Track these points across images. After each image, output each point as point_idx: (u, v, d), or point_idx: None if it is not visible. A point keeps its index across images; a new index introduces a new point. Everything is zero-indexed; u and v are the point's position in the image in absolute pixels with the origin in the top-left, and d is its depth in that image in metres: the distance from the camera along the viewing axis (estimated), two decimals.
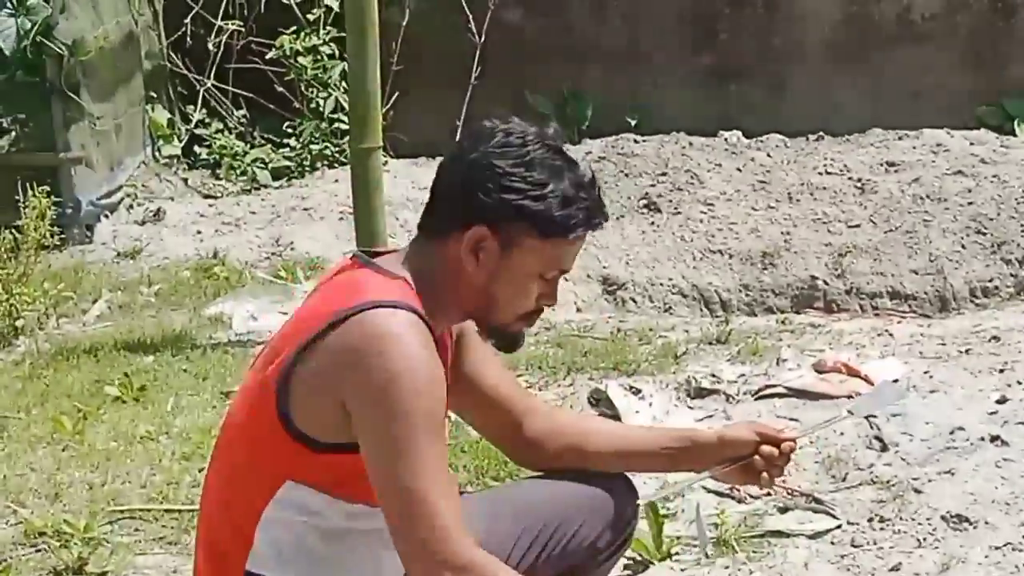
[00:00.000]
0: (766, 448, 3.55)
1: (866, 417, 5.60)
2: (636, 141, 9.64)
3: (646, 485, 4.27)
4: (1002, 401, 5.67)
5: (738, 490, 5.13)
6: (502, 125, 3.29)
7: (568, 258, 3.33)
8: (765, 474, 3.57)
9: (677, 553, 4.74)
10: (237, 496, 3.32)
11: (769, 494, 3.75)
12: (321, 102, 9.88)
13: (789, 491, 5.09)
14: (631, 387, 5.98)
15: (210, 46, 9.79)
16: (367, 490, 3.23)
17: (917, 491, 5.01)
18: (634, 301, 8.22)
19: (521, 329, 3.41)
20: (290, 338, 3.23)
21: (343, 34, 7.42)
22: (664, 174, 9.12)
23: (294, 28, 9.82)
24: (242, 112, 10.23)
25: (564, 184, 3.25)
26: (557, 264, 3.30)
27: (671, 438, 3.72)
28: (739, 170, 9.18)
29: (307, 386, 3.17)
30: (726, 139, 9.70)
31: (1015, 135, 9.95)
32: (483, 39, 10.11)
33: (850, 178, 8.99)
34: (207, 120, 10.28)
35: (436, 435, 3.19)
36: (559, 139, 3.33)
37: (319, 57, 9.81)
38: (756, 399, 5.91)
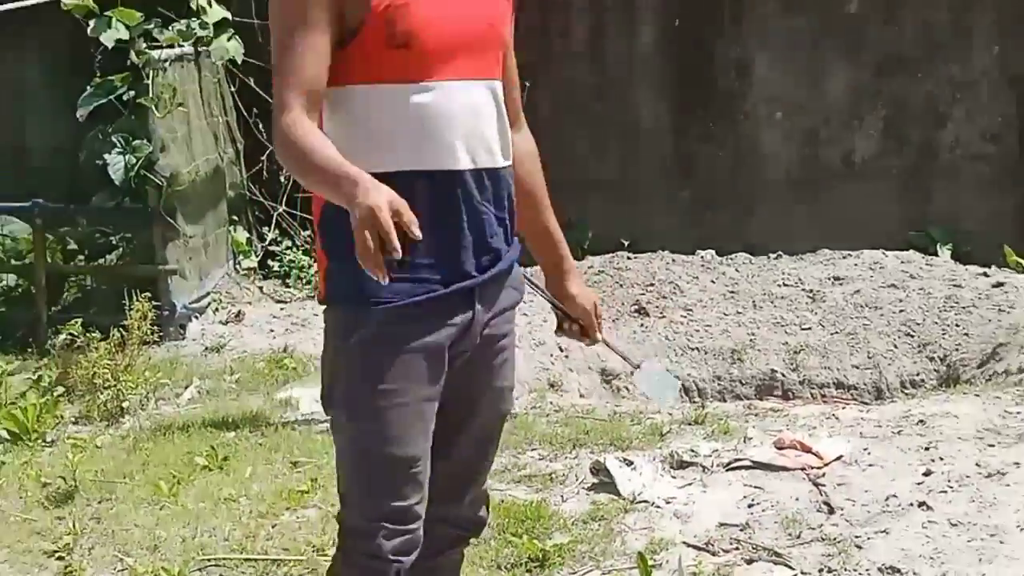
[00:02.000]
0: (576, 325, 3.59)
1: (815, 483, 5.64)
2: (628, 258, 9.70)
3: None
4: (927, 474, 5.65)
5: (712, 543, 5.16)
6: None
7: None
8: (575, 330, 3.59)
9: None
10: None
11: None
12: None
13: (754, 547, 5.11)
14: (625, 459, 5.94)
15: (282, 178, 9.83)
16: (379, 65, 3.10)
17: (858, 547, 5.00)
18: (627, 389, 8.24)
19: None
20: None
21: None
22: (651, 285, 9.17)
23: None
24: (308, 232, 10.28)
25: None
26: None
27: (550, 253, 3.57)
28: (713, 282, 9.25)
29: None
30: (702, 257, 9.75)
31: (937, 255, 9.96)
32: None
33: (803, 289, 9.04)
34: (279, 239, 10.33)
35: (304, 11, 3.03)
36: None
37: None
38: (727, 470, 5.87)
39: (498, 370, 3.40)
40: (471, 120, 3.18)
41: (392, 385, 3.15)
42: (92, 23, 8.55)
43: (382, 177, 2.89)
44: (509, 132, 3.32)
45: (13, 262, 9.41)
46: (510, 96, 3.40)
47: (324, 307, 3.26)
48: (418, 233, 2.74)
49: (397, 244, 2.68)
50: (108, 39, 8.56)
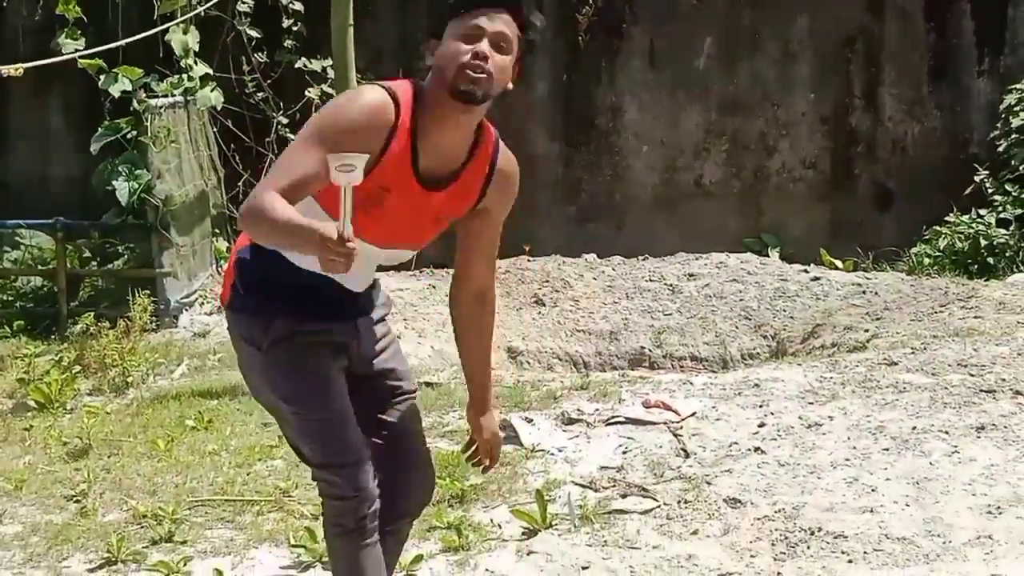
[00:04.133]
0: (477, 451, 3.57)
1: (674, 434, 5.64)
2: (529, 260, 9.67)
3: None
4: (761, 425, 5.66)
5: (594, 482, 5.15)
6: None
7: (477, 19, 3.01)
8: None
9: (555, 524, 4.72)
10: None
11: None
12: None
13: (628, 484, 5.10)
14: (526, 418, 5.94)
15: None
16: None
17: (708, 483, 5.01)
18: (528, 363, 8.23)
19: (466, 83, 2.99)
20: None
21: None
22: (547, 281, 9.15)
23: None
24: None
25: None
26: (467, 28, 3.01)
27: (476, 388, 3.52)
28: (594, 279, 9.23)
29: None
30: (586, 259, 9.74)
31: (769, 256, 10.01)
32: None
33: (665, 284, 9.05)
34: None
35: (318, 146, 2.93)
36: None
37: None
38: (606, 425, 5.86)
39: (385, 352, 3.40)
40: (371, 265, 3.26)
41: (304, 364, 3.18)
42: (102, 78, 8.49)
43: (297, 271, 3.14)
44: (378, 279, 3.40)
45: (39, 267, 9.30)
46: (489, 265, 3.42)
47: (226, 310, 3.31)
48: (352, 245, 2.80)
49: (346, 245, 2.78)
50: (115, 90, 8.51)
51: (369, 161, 2.91)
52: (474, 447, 3.60)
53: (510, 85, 3.12)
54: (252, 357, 3.24)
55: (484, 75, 3.00)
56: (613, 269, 9.43)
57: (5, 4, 10.69)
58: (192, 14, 8.37)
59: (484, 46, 3.01)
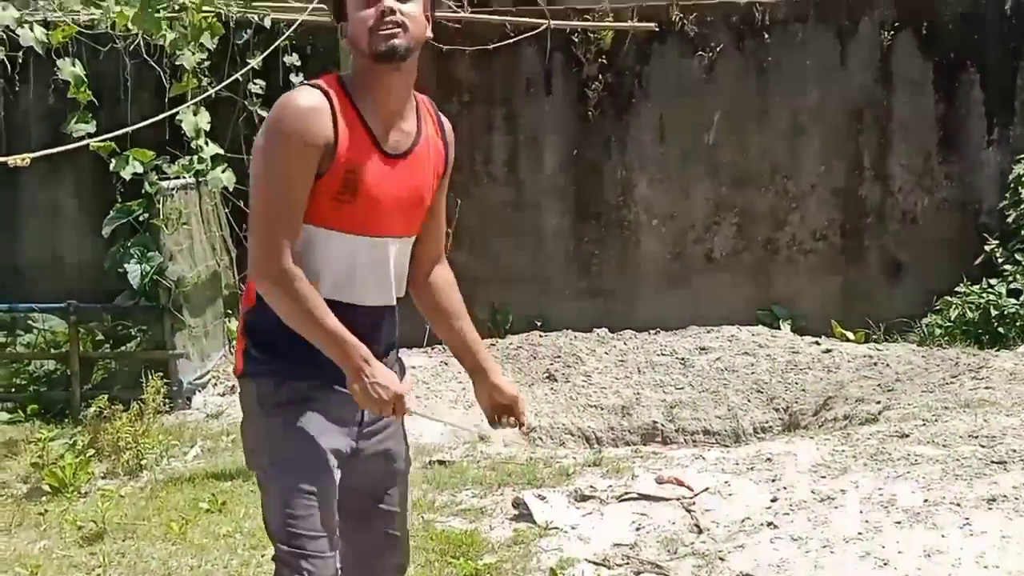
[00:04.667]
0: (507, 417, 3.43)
1: (687, 510, 5.69)
2: (540, 336, 9.76)
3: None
4: (774, 500, 5.72)
5: (608, 559, 5.19)
6: None
7: None
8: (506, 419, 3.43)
9: None
10: None
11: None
12: None
13: (641, 561, 5.15)
14: (539, 495, 5.98)
15: None
16: (320, 209, 3.04)
17: (721, 559, 5.07)
18: (540, 439, 8.27)
19: (383, 42, 3.01)
20: None
21: None
22: (559, 357, 9.22)
23: None
24: None
25: None
26: None
27: (472, 358, 3.43)
28: (606, 354, 9.30)
29: None
30: (597, 334, 9.82)
31: (780, 329, 10.09)
32: None
33: (677, 357, 9.12)
34: None
35: (289, 161, 2.97)
36: None
37: None
38: (619, 501, 5.91)
39: (388, 428, 3.31)
40: (378, 269, 3.17)
41: (305, 431, 3.10)
42: (114, 160, 8.58)
43: None
44: (404, 277, 3.29)
45: (52, 351, 9.38)
46: (437, 238, 3.39)
47: (240, 379, 3.23)
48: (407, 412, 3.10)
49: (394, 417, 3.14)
50: (127, 173, 8.58)
51: (328, 149, 2.98)
52: (501, 415, 3.46)
53: (429, 33, 3.13)
54: (257, 418, 3.17)
55: (398, 28, 3.02)
56: (625, 343, 9.50)
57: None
58: (203, 96, 8.52)
59: (387, 2, 3.02)
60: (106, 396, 7.93)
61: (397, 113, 3.14)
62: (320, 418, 3.13)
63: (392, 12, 3.02)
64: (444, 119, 3.33)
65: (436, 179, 3.28)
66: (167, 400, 8.19)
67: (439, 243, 3.43)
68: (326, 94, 3.04)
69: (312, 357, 3.07)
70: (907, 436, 6.50)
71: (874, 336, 9.93)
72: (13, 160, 5.98)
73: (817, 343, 9.27)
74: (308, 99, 3.01)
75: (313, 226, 3.06)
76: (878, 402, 7.60)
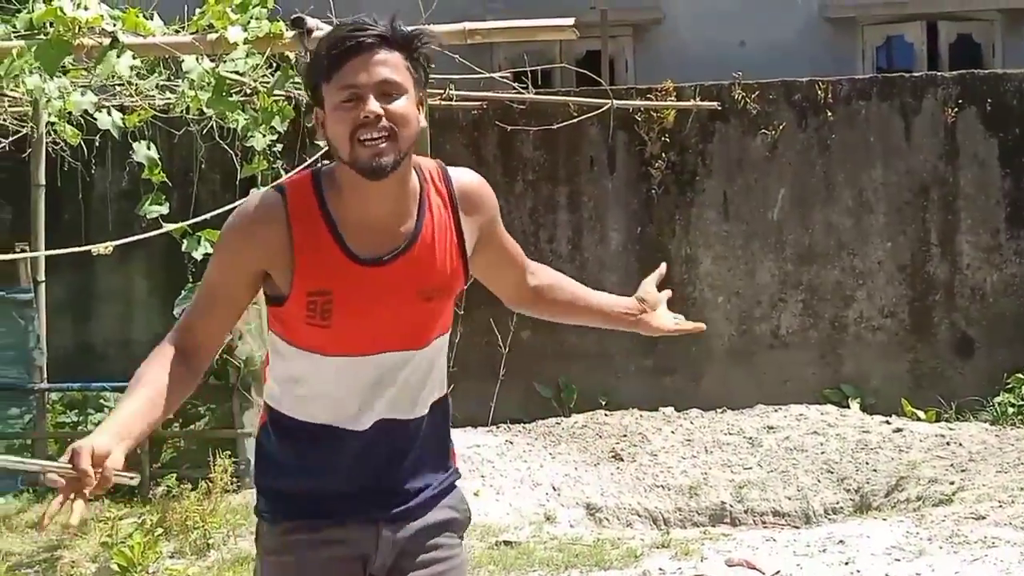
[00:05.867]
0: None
1: None
2: (606, 415, 9.72)
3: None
4: None
5: None
6: None
7: (348, 77, 2.58)
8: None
9: None
10: None
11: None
12: None
13: None
14: None
15: None
16: (297, 332, 2.73)
17: None
18: (607, 520, 8.21)
19: (368, 159, 2.58)
20: None
21: None
22: (625, 436, 9.18)
23: None
24: None
25: (321, 47, 2.64)
26: (341, 92, 2.59)
27: (614, 314, 3.22)
28: (672, 433, 9.24)
29: None
30: (664, 412, 9.77)
31: (849, 408, 9.97)
32: (507, 350, 10.24)
33: (744, 437, 9.04)
34: None
35: (219, 257, 2.72)
36: (362, 21, 2.62)
37: None
38: None
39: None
40: (375, 387, 2.76)
41: None
42: (186, 241, 8.68)
43: (289, 419, 2.82)
44: (428, 387, 2.84)
45: None
46: (517, 277, 3.08)
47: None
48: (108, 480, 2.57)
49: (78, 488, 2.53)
50: (198, 253, 8.67)
51: (281, 264, 2.66)
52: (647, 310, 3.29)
53: (423, 122, 2.69)
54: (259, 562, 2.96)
55: (384, 136, 2.58)
56: (691, 422, 9.44)
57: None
58: (273, 178, 8.61)
59: (371, 105, 2.58)
60: (175, 475, 7.99)
61: (387, 213, 2.71)
62: (310, 568, 2.82)
63: (378, 118, 2.58)
64: (456, 177, 2.85)
65: (456, 257, 2.81)
66: (235, 479, 8.22)
67: (526, 267, 3.11)
68: (283, 195, 2.69)
69: (308, 489, 2.81)
70: (983, 518, 6.39)
71: (945, 415, 9.79)
72: (97, 249, 6.07)
73: (887, 422, 9.15)
74: (258, 211, 2.68)
75: (297, 349, 2.77)
76: (952, 482, 7.48)
